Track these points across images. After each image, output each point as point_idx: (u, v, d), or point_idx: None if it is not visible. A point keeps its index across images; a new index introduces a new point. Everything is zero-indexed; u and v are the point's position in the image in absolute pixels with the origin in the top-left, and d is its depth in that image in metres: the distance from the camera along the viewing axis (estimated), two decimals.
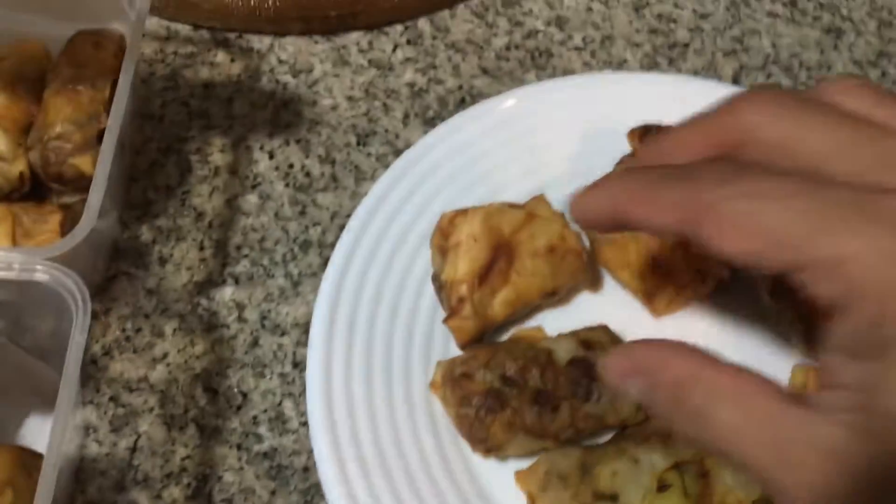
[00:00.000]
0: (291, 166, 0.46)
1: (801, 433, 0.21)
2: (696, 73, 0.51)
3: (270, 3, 0.48)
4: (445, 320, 0.39)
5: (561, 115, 0.46)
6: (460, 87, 0.50)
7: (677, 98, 0.41)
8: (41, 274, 0.32)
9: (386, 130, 0.48)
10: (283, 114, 0.48)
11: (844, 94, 0.25)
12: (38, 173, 0.39)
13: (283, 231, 0.44)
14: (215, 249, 0.43)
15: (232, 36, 0.50)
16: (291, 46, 0.50)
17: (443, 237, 0.40)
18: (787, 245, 0.22)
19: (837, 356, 0.22)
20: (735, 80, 0.51)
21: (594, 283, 0.42)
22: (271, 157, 0.46)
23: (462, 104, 0.49)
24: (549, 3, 0.53)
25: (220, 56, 0.49)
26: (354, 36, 0.51)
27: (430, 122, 0.48)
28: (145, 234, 0.43)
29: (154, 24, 0.49)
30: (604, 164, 0.39)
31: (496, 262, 0.39)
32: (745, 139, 0.25)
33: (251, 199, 0.45)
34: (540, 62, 0.51)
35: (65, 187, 0.39)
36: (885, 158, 0.22)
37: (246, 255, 0.43)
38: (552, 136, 0.45)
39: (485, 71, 0.50)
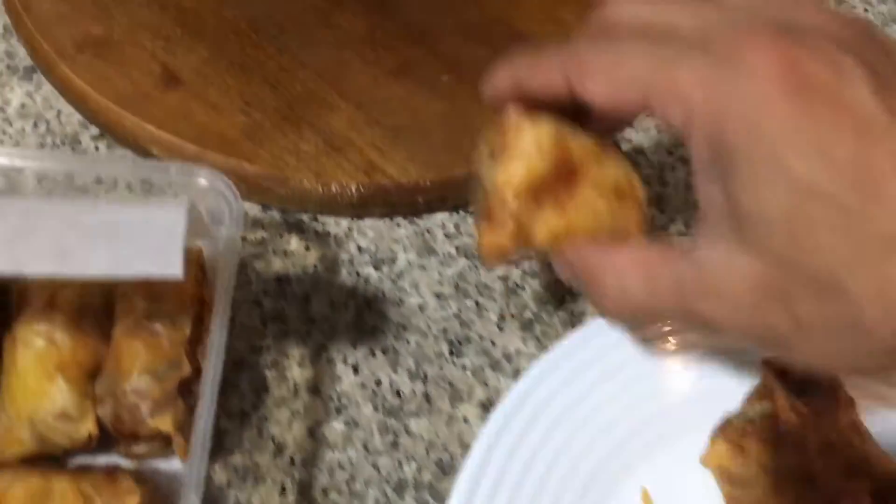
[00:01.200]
0: (379, 383, 0.41)
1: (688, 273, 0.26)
2: None
3: (353, 189, 0.43)
4: (477, 224, 0.33)
5: None
6: (558, 282, 0.45)
7: None
8: None
9: (480, 337, 0.43)
10: (367, 315, 0.43)
11: None
12: (107, 428, 0.34)
13: (374, 468, 0.39)
14: (299, 494, 0.38)
15: (306, 218, 0.45)
16: (372, 231, 0.45)
17: (500, 132, 0.33)
18: (637, 82, 0.26)
19: (703, 184, 0.26)
20: None
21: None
22: (356, 371, 0.41)
23: (562, 303, 0.44)
24: (646, 179, 0.49)
25: (294, 243, 0.44)
26: (440, 217, 0.46)
27: (529, 326, 0.43)
28: (219, 474, 0.38)
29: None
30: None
31: (556, 182, 0.32)
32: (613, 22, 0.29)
33: (336, 428, 0.40)
34: None
35: (136, 441, 0.34)
36: (718, 23, 0.26)
37: (334, 502, 0.38)
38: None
39: None
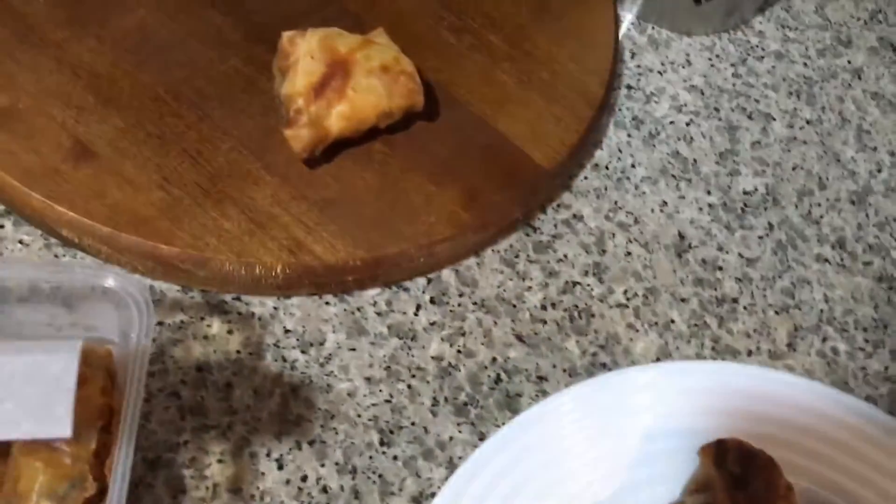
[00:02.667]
0: (305, 479, 0.39)
1: None
2: (748, 334, 0.46)
3: (279, 270, 0.41)
4: (283, 130, 0.42)
5: (609, 418, 0.40)
6: (494, 361, 0.43)
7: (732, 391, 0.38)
8: None
9: (412, 423, 0.41)
10: (293, 404, 0.40)
11: None
12: None
13: None
14: None
15: (229, 298, 0.42)
16: (299, 310, 0.43)
17: (283, 58, 0.43)
18: None
19: None
20: (790, 345, 0.47)
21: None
22: (280, 466, 0.39)
23: (497, 383, 0.43)
24: (585, 247, 0.47)
25: (216, 326, 0.42)
26: (371, 294, 0.44)
27: (463, 411, 0.42)
28: None
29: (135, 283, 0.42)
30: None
31: (332, 78, 0.42)
32: None
33: None
34: (580, 324, 0.45)
35: None
36: None
37: None
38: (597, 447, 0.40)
39: (520, 338, 0.44)
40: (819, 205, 0.52)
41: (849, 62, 0.59)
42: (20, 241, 0.42)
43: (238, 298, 0.43)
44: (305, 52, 0.42)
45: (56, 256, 0.42)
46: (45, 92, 0.43)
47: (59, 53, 0.44)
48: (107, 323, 0.34)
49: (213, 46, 0.47)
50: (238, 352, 0.41)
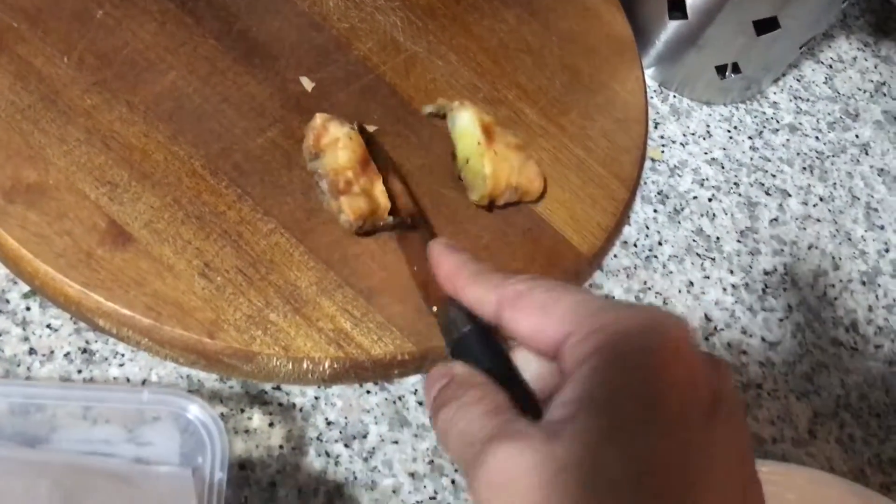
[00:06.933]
0: None
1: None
2: (772, 421, 0.48)
3: (326, 366, 0.40)
4: (336, 198, 0.41)
5: None
6: None
7: None
8: None
9: None
10: (337, 503, 0.40)
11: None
12: None
13: None
14: None
15: (268, 387, 0.41)
16: (340, 400, 0.42)
17: (316, 140, 0.43)
18: (551, 337, 0.28)
19: (555, 410, 0.26)
20: (811, 432, 0.48)
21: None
22: None
23: None
24: None
25: (257, 419, 0.40)
26: (412, 382, 0.43)
27: None
28: None
29: (170, 371, 0.40)
30: None
31: (369, 161, 0.42)
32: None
33: None
34: None
35: None
36: None
37: None
38: None
39: None
40: (833, 286, 0.53)
41: (856, 136, 0.60)
42: (48, 326, 0.40)
43: (278, 388, 0.41)
44: (344, 134, 0.42)
45: (87, 343, 0.40)
46: (75, 165, 0.40)
47: (88, 122, 0.42)
48: (166, 443, 0.33)
49: (249, 116, 0.45)
50: (281, 447, 0.40)
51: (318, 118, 0.43)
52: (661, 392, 0.26)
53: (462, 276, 0.32)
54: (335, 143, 0.42)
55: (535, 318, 0.29)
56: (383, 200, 0.42)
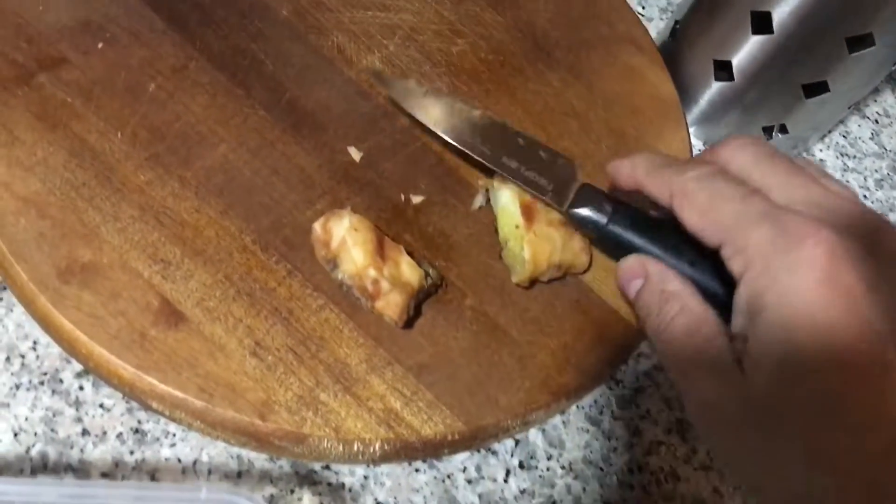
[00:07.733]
0: None
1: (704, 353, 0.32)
2: None
3: (377, 447, 0.40)
4: (372, 303, 0.40)
5: None
6: None
7: None
8: None
9: None
10: None
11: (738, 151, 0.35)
12: None
13: None
14: None
15: (317, 467, 0.41)
16: (388, 479, 0.41)
17: (324, 246, 0.41)
18: (719, 228, 0.33)
19: (738, 316, 0.32)
20: None
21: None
22: None
23: None
24: (667, 401, 0.47)
25: (307, 499, 0.40)
26: (460, 459, 0.43)
27: None
28: None
29: (221, 451, 0.40)
30: None
31: (383, 238, 0.42)
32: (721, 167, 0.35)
33: None
34: (666, 489, 0.45)
35: None
36: (803, 196, 0.33)
37: None
38: None
39: None
40: None
41: None
42: (101, 406, 0.40)
43: (327, 467, 0.41)
44: (348, 229, 0.41)
45: (139, 423, 0.40)
46: (129, 243, 0.41)
47: (141, 199, 0.42)
48: None
49: (298, 188, 0.45)
50: None
51: (317, 227, 0.41)
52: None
53: (640, 172, 0.37)
54: (345, 246, 0.41)
55: (695, 219, 0.33)
56: (416, 276, 0.41)
